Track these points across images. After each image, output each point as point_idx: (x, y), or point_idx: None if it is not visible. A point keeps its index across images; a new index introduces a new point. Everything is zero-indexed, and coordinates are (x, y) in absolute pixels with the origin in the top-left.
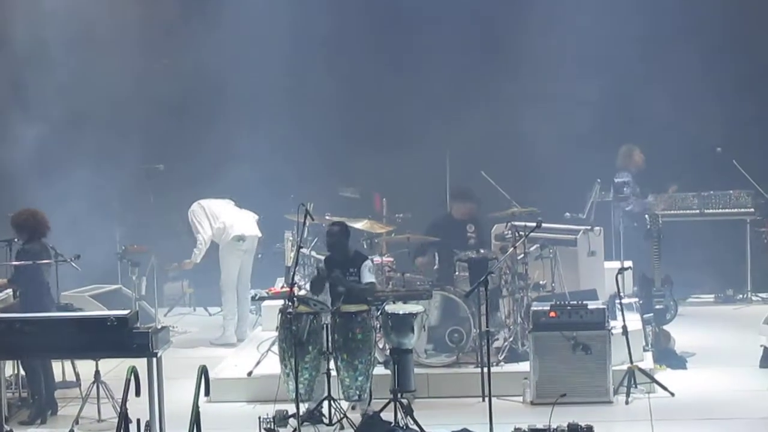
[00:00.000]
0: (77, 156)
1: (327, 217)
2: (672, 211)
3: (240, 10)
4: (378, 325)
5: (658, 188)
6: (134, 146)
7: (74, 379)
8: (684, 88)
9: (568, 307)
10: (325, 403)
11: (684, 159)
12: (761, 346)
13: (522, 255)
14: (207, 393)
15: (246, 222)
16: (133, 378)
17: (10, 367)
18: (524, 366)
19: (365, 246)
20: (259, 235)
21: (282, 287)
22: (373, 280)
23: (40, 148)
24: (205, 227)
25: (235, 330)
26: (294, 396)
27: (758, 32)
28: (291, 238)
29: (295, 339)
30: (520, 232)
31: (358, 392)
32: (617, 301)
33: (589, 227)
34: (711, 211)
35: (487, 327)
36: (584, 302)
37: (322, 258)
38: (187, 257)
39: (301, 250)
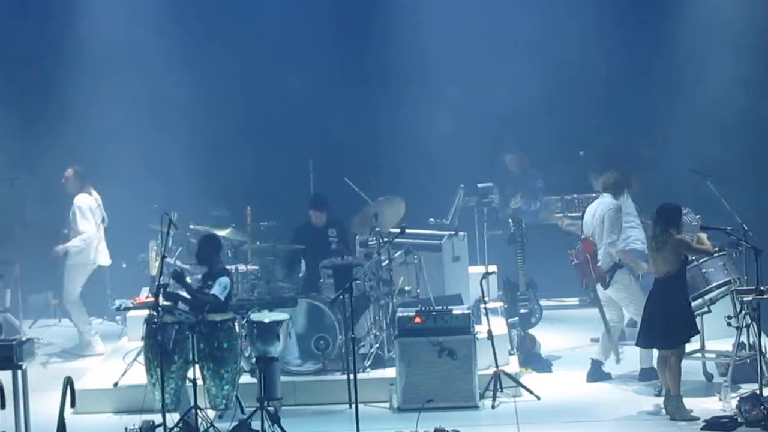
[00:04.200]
0: None
1: (191, 227)
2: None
3: (105, 23)
4: (244, 334)
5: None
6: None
7: None
8: (549, 93)
9: (433, 313)
10: (192, 413)
11: (549, 163)
12: (590, 358)
13: (386, 261)
14: (73, 404)
15: (105, 251)
16: None
17: None
18: (390, 372)
19: (229, 254)
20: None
21: (147, 297)
22: (218, 294)
23: None
24: (91, 226)
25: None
26: (160, 406)
27: (618, 42)
28: (155, 248)
29: (161, 349)
30: (385, 239)
31: (224, 401)
32: (482, 305)
33: (453, 232)
34: (574, 214)
35: (352, 334)
36: (449, 307)
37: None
38: (53, 268)
39: (166, 259)
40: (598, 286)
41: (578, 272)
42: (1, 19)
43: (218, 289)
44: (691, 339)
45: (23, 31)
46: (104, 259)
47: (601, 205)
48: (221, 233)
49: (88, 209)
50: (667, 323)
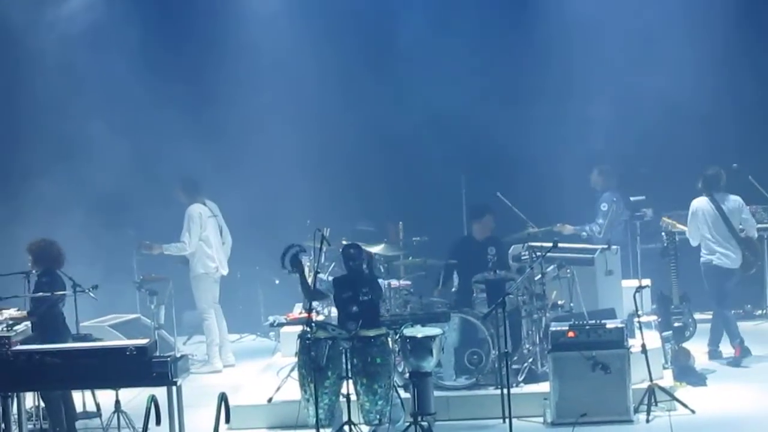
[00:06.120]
0: (95, 186)
1: (344, 242)
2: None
3: (259, 42)
4: (397, 349)
5: (678, 206)
6: (151, 175)
7: (95, 409)
8: (697, 106)
9: (587, 327)
10: (346, 428)
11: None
12: None
13: (539, 275)
14: (227, 420)
15: (224, 260)
16: (153, 407)
17: (30, 399)
18: (544, 386)
19: (382, 270)
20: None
21: (300, 313)
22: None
23: (57, 180)
24: (192, 240)
25: (220, 356)
26: (314, 421)
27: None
28: (308, 264)
29: (315, 364)
30: (537, 253)
31: (378, 416)
32: (635, 319)
33: (606, 246)
34: None
35: (506, 348)
36: (602, 321)
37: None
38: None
39: (319, 275)
40: None
41: None
42: (162, 38)
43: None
44: None
45: (185, 53)
46: (225, 267)
47: None
48: (374, 249)
49: (197, 219)
50: None
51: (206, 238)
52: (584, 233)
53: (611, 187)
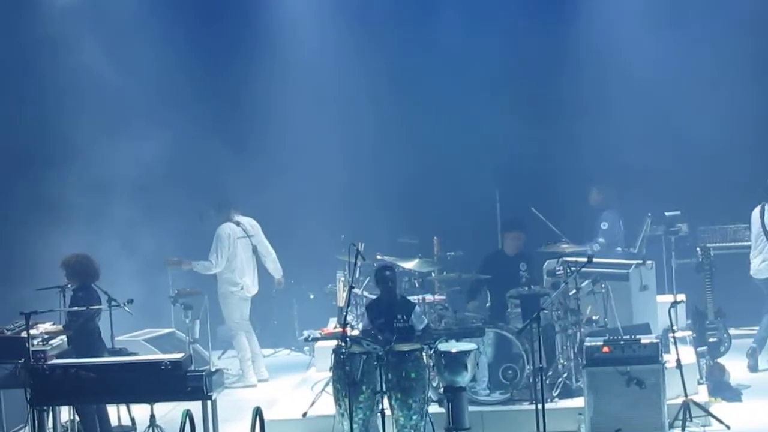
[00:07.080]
0: (130, 199)
1: (378, 257)
2: (725, 243)
3: (299, 54)
4: (431, 364)
5: (713, 220)
6: (187, 189)
7: (130, 423)
8: (739, 120)
9: (622, 342)
10: None
11: (733, 191)
12: None
13: (574, 290)
14: None
15: (253, 281)
16: (188, 421)
17: (66, 413)
18: (579, 402)
19: (416, 285)
20: (256, 291)
21: (334, 327)
22: (426, 321)
23: (92, 193)
24: (220, 261)
25: (254, 370)
26: None
27: None
28: (343, 279)
29: (349, 379)
30: (572, 268)
31: (412, 431)
32: (670, 334)
33: (640, 261)
34: None
35: (540, 363)
36: (637, 337)
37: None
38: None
39: (353, 290)
40: None
41: None
42: (204, 57)
43: (424, 318)
44: None
45: (227, 68)
46: (252, 287)
47: None
48: (408, 265)
49: (225, 240)
50: None
51: (232, 259)
52: (589, 251)
53: (612, 206)
